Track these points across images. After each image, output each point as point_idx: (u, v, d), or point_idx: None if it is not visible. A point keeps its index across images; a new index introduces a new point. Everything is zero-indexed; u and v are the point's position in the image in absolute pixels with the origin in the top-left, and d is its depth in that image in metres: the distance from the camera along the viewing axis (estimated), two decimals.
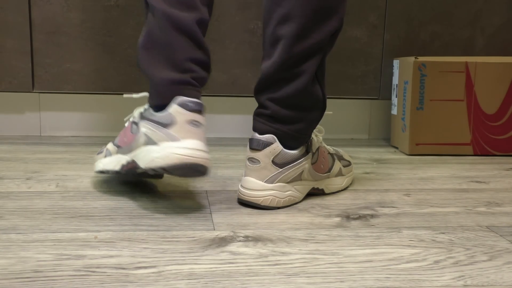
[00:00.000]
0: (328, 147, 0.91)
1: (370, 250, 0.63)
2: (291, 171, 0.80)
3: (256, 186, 0.79)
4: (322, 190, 0.87)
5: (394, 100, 1.34)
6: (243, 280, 0.54)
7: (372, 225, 0.72)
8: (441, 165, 1.14)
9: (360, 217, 0.75)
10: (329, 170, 0.88)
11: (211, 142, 1.33)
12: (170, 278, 0.54)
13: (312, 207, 0.80)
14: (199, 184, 0.91)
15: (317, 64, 0.78)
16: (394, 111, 1.34)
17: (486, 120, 1.25)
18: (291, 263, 0.58)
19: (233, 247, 0.63)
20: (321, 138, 0.89)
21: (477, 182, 0.99)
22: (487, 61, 1.24)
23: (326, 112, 0.87)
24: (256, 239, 0.65)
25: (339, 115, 1.44)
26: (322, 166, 0.86)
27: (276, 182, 0.79)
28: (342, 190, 0.91)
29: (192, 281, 0.53)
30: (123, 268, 0.56)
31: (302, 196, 0.84)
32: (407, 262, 0.60)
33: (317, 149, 0.85)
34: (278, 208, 0.80)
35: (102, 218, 0.71)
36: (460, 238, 0.68)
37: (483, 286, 0.54)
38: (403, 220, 0.75)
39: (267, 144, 0.79)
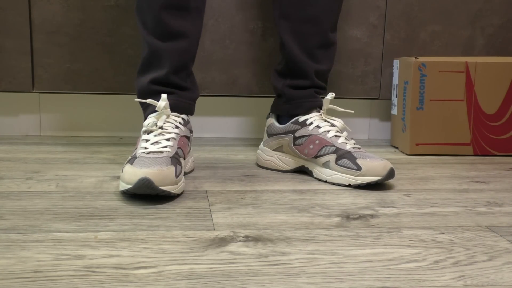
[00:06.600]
0: (344, 140, 0.96)
1: (370, 250, 0.63)
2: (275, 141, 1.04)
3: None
4: (311, 172, 1.00)
5: (394, 100, 1.34)
6: (243, 280, 0.54)
7: (372, 225, 0.72)
8: (441, 165, 1.14)
9: (360, 217, 0.75)
10: (315, 157, 0.97)
11: (211, 142, 1.33)
12: (170, 278, 0.54)
13: (312, 207, 0.80)
14: (199, 184, 0.91)
15: None
16: (394, 111, 1.34)
17: (486, 120, 1.25)
18: (291, 263, 0.58)
19: (233, 247, 0.63)
20: (323, 127, 0.98)
21: (477, 182, 0.99)
22: (487, 61, 1.24)
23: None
24: (256, 239, 0.65)
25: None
26: (306, 151, 0.99)
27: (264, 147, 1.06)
28: (330, 183, 0.95)
29: (192, 281, 0.53)
30: (123, 268, 0.56)
31: (287, 167, 1.03)
32: (407, 262, 0.60)
33: (308, 135, 0.99)
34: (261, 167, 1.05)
35: (102, 218, 0.71)
36: (460, 238, 0.68)
37: (483, 286, 0.54)
38: (403, 220, 0.75)
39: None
